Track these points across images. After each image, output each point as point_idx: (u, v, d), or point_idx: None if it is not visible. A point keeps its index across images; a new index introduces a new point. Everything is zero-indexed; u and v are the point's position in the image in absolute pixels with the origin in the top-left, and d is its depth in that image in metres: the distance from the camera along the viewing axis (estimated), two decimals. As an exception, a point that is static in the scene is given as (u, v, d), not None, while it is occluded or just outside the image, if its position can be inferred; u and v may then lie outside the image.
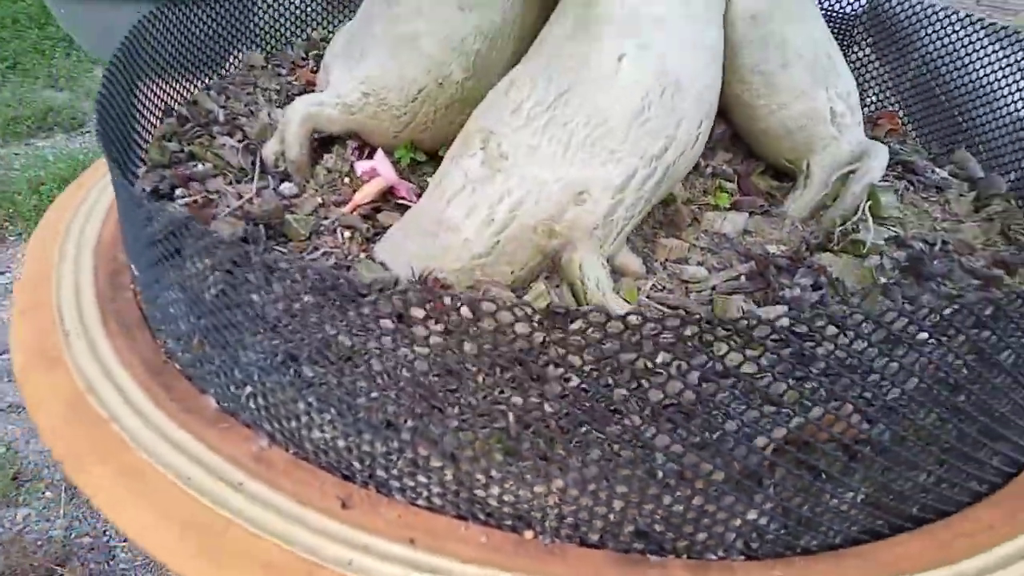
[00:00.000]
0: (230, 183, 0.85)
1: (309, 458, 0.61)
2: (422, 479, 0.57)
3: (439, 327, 0.52)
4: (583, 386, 0.52)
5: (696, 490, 0.53)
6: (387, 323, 0.54)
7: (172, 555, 0.53)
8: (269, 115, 0.99)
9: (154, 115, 0.91)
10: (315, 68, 1.11)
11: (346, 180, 0.88)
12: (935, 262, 0.80)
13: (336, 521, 0.56)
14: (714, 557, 0.56)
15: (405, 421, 0.54)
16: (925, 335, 0.62)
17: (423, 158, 0.90)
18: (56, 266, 0.80)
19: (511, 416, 0.52)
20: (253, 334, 0.59)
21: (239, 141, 0.92)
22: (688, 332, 0.50)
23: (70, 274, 0.79)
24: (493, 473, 0.54)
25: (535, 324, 0.49)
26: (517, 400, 0.53)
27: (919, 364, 0.54)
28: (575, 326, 0.49)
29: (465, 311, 0.50)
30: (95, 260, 0.81)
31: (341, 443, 0.57)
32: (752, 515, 0.55)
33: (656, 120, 0.68)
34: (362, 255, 0.77)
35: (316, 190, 0.87)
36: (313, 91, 1.05)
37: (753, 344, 0.51)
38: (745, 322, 0.49)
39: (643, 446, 0.53)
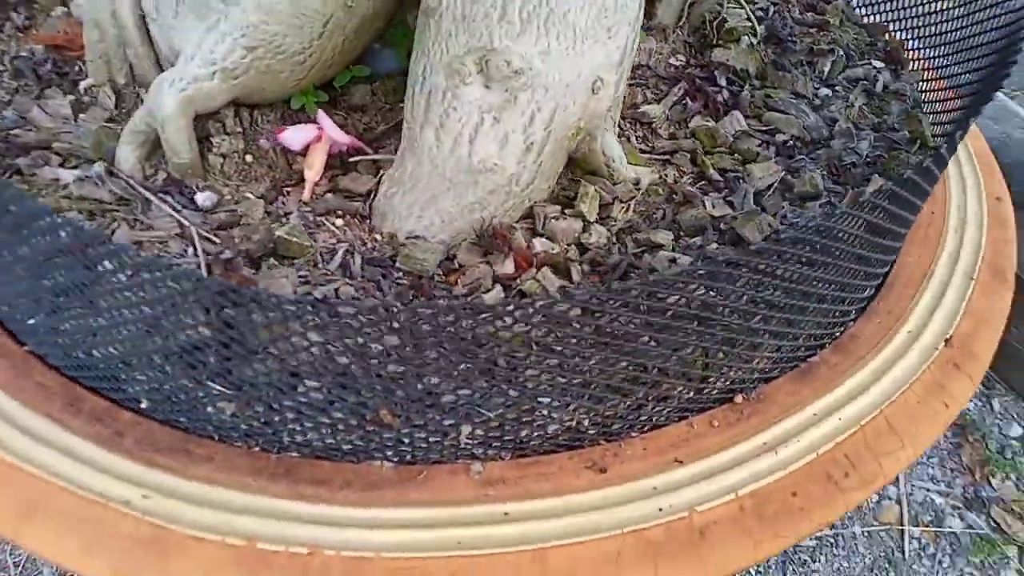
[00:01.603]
0: (134, 226, 0.64)
1: (528, 452, 0.59)
2: (659, 408, 0.59)
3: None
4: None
5: (837, 305, 0.64)
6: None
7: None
8: (44, 111, 0.73)
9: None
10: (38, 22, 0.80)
11: (247, 159, 0.72)
12: (777, 25, 0.94)
13: (608, 487, 0.57)
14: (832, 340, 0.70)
15: (646, 370, 0.55)
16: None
17: (325, 97, 0.75)
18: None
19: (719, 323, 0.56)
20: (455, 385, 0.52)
21: (73, 167, 0.68)
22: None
23: None
24: (723, 370, 0.59)
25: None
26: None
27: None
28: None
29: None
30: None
31: (586, 422, 0.56)
32: (848, 316, 0.68)
33: (631, -18, 0.67)
34: (377, 238, 0.67)
35: (226, 185, 0.70)
36: (70, 55, 0.78)
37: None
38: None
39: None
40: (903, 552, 1.73)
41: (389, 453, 0.57)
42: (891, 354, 0.68)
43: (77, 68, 0.79)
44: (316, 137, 0.68)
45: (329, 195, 0.69)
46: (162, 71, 0.73)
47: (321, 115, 0.68)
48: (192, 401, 0.55)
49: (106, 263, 0.51)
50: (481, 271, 0.62)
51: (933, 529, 1.78)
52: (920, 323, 0.71)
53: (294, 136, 0.68)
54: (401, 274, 0.63)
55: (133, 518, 0.53)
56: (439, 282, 0.63)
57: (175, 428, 0.59)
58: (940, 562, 1.72)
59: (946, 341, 0.69)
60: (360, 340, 0.49)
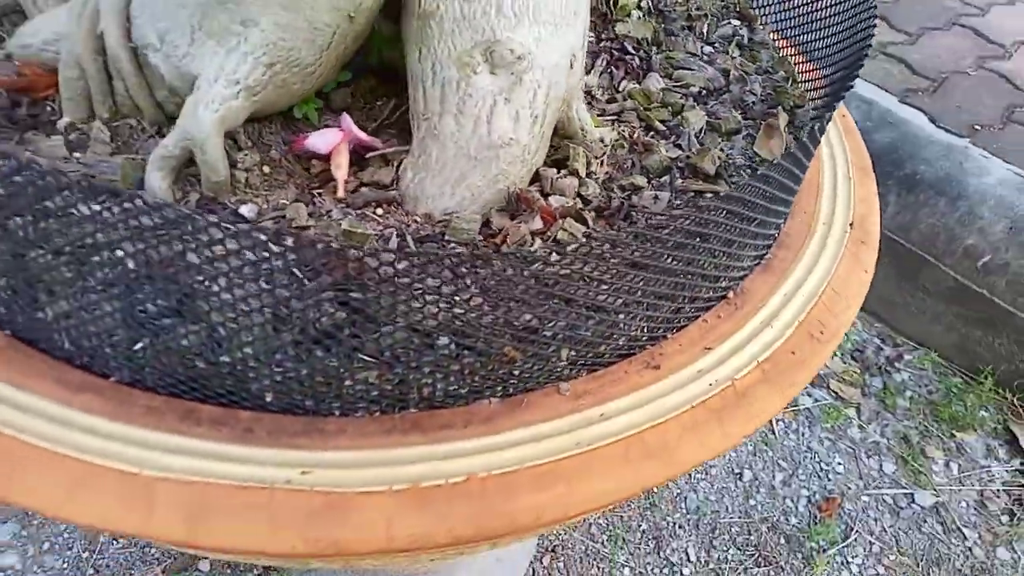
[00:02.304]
0: (197, 244, 0.67)
1: (598, 367, 0.71)
2: (690, 308, 0.74)
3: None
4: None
5: (784, 209, 0.83)
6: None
7: None
8: (36, 154, 0.73)
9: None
10: None
11: (264, 170, 0.77)
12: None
13: (666, 378, 0.71)
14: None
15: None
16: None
17: (322, 104, 0.81)
18: None
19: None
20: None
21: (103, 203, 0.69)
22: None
23: None
24: (727, 270, 0.75)
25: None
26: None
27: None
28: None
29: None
30: None
31: (645, 329, 0.70)
32: (783, 219, 0.88)
33: (582, -29, 0.80)
34: (417, 219, 0.75)
35: (256, 196, 0.75)
36: (38, 96, 0.78)
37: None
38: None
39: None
40: (774, 433, 2.05)
41: (498, 390, 0.67)
42: (817, 243, 0.88)
43: (49, 109, 0.78)
44: (341, 139, 0.74)
45: (364, 188, 0.76)
46: (157, 101, 0.76)
47: (345, 117, 0.75)
48: (330, 380, 0.61)
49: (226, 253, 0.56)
50: (521, 230, 0.73)
51: (791, 409, 2.12)
52: (828, 215, 0.92)
53: (319, 140, 0.74)
54: (453, 244, 0.73)
55: (302, 492, 0.59)
56: (485, 246, 0.73)
57: (296, 415, 0.65)
58: (802, 434, 2.06)
59: (850, 225, 0.91)
60: (481, 295, 0.59)
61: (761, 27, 1.13)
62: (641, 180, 0.82)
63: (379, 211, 0.75)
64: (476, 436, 0.64)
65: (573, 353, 0.67)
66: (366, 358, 0.60)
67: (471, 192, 0.76)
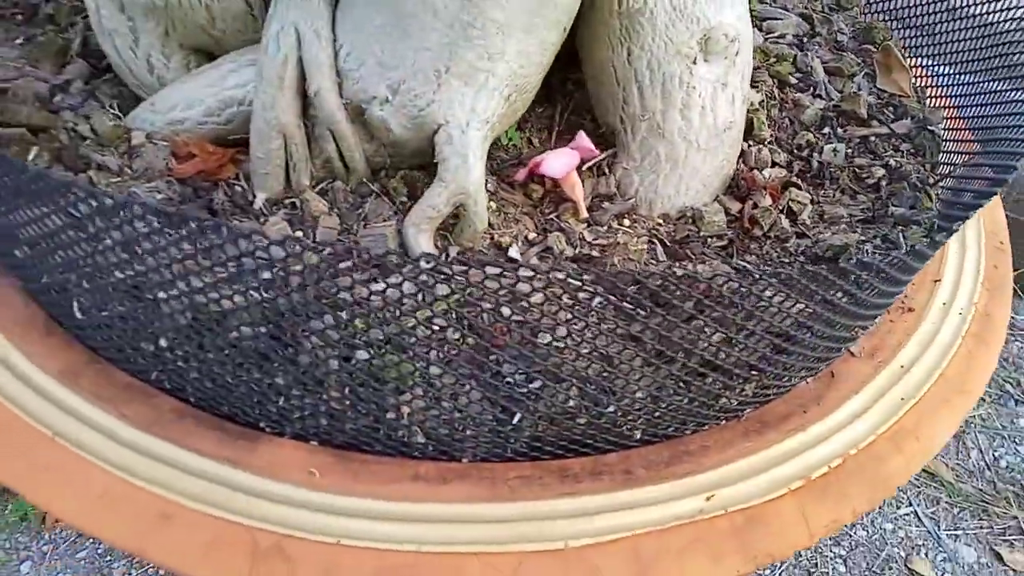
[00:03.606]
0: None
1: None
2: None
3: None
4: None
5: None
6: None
7: None
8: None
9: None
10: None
11: (491, 205, 0.72)
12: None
13: (886, 367, 0.76)
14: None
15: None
16: None
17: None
18: None
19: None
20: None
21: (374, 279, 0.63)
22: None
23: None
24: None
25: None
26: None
27: None
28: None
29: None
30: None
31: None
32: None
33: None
34: (660, 222, 0.74)
35: (503, 235, 0.70)
36: (217, 179, 0.69)
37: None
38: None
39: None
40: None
41: (810, 371, 0.69)
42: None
43: (239, 189, 0.69)
44: (578, 158, 0.71)
45: (607, 203, 0.73)
46: (366, 159, 0.69)
47: (581, 135, 0.72)
48: (711, 400, 0.61)
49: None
50: (772, 213, 0.74)
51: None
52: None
53: (555, 163, 0.70)
54: (708, 238, 0.73)
55: (720, 516, 0.60)
56: (739, 233, 0.74)
57: (653, 444, 0.64)
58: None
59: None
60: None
61: (795, -36, 1.17)
62: (810, 137, 0.85)
63: (626, 222, 0.73)
64: (818, 419, 0.67)
65: (881, 318, 0.70)
66: (750, 372, 0.60)
67: (702, 183, 0.75)
